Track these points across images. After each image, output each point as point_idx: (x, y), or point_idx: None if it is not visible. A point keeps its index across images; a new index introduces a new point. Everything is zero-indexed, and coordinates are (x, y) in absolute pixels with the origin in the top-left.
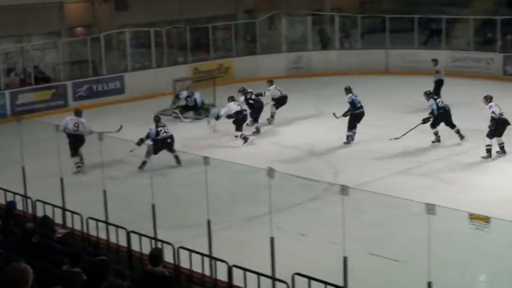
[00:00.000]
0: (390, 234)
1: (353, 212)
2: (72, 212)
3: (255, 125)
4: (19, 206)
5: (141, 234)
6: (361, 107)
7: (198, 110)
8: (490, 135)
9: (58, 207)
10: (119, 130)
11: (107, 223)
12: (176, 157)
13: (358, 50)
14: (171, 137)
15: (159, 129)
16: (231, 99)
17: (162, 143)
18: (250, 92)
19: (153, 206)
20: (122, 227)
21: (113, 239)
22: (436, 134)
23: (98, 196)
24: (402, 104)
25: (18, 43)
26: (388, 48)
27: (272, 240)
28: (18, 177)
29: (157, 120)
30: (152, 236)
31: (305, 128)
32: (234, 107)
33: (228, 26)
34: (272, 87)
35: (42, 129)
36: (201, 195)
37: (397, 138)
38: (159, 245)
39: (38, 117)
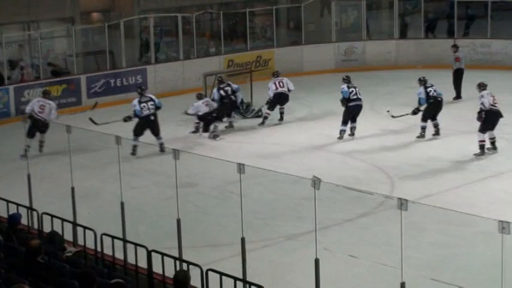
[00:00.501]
0: (455, 256)
1: (412, 230)
2: (85, 228)
3: (229, 120)
4: (23, 220)
5: (164, 254)
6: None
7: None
8: (482, 129)
9: (68, 221)
10: (93, 107)
11: (124, 240)
12: (161, 145)
13: (420, 39)
14: (154, 115)
15: (142, 105)
16: (199, 97)
17: (145, 121)
18: (228, 84)
19: (178, 221)
20: (141, 245)
21: (131, 259)
22: (423, 128)
23: (115, 209)
24: (472, 104)
25: (25, 31)
26: (456, 37)
27: (317, 262)
28: (23, 186)
29: (140, 93)
30: (177, 256)
31: (357, 131)
32: (202, 108)
33: (268, 11)
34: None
35: (51, 130)
36: (234, 208)
37: (393, 116)
38: (185, 267)
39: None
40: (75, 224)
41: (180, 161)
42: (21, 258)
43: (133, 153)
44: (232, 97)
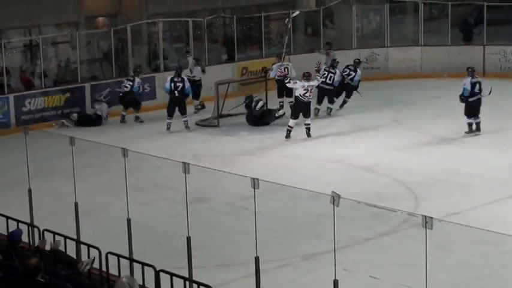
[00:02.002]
0: (483, 277)
1: (437, 249)
2: (89, 246)
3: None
4: (24, 237)
5: (173, 274)
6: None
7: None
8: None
9: (71, 239)
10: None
11: (130, 260)
12: (185, 122)
13: (447, 46)
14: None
15: (171, 83)
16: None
17: (171, 98)
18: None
19: (188, 239)
20: (149, 265)
21: (138, 279)
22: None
23: (121, 226)
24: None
25: (26, 36)
26: (486, 44)
27: (336, 283)
28: (23, 201)
29: (177, 72)
30: (187, 276)
31: (379, 143)
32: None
33: (284, 15)
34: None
35: (54, 142)
36: (247, 226)
37: None
38: (195, 287)
39: (49, 128)
40: (78, 242)
41: (191, 174)
42: (20, 278)
43: (168, 128)
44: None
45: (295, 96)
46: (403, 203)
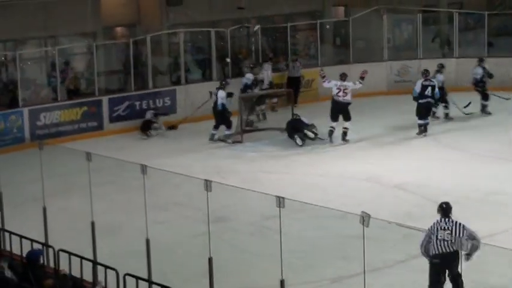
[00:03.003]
0: None
1: (472, 272)
2: (106, 267)
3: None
4: None
5: None
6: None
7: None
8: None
9: (87, 259)
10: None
11: (149, 282)
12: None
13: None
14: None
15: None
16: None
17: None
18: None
19: (209, 260)
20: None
21: None
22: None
23: (139, 246)
24: None
25: (42, 47)
26: None
27: None
28: (38, 219)
29: (223, 84)
30: None
31: (410, 160)
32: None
33: (312, 26)
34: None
35: (70, 157)
36: (272, 246)
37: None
38: None
39: (64, 143)
40: (95, 263)
41: (212, 192)
42: None
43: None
44: None
45: (332, 97)
46: None
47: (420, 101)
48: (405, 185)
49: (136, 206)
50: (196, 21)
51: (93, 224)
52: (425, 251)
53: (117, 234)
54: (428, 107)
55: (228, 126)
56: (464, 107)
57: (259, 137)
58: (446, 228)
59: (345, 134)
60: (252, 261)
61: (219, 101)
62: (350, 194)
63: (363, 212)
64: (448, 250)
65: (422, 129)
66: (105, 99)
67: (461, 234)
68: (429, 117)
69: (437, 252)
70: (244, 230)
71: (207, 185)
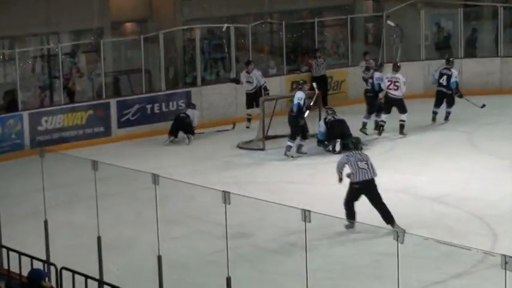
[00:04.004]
0: None
1: None
2: (113, 286)
3: None
4: None
5: None
6: None
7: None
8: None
9: (93, 278)
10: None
11: None
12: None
13: None
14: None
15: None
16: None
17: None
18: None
19: (228, 280)
20: None
21: None
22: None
23: (150, 264)
24: None
25: (44, 44)
26: None
27: None
28: (39, 234)
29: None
30: None
31: (450, 169)
32: None
33: (341, 21)
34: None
35: (74, 166)
36: (297, 265)
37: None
38: None
39: (68, 150)
40: (101, 282)
41: (231, 205)
42: None
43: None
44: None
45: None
46: (478, 240)
47: (437, 88)
48: (444, 198)
49: (147, 220)
50: (213, 16)
51: (99, 239)
52: (339, 171)
53: (125, 251)
54: (441, 95)
55: (298, 136)
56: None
57: (282, 144)
58: (362, 159)
59: (402, 127)
60: (274, 281)
61: (295, 102)
62: None
63: (397, 226)
64: (366, 178)
65: (433, 117)
66: (113, 102)
67: (372, 165)
68: (452, 106)
69: (358, 179)
70: (266, 247)
71: (226, 196)
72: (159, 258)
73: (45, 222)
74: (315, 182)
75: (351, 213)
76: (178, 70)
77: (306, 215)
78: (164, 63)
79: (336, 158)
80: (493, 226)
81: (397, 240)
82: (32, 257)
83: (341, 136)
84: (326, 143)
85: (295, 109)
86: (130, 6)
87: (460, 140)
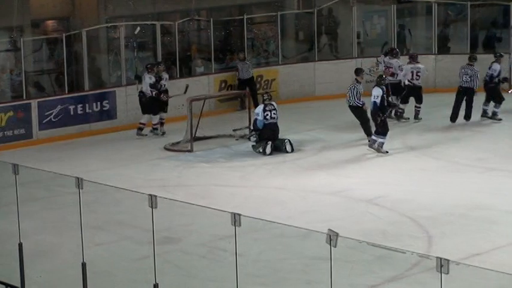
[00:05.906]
0: None
1: None
2: None
3: None
4: None
5: None
6: None
7: None
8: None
9: (14, 287)
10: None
11: None
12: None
13: (465, 54)
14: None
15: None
16: None
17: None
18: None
19: (155, 287)
20: None
21: None
22: None
23: (74, 271)
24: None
25: None
26: None
27: None
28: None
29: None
30: None
31: (385, 171)
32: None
33: (271, 18)
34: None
35: None
36: (226, 270)
37: None
38: None
39: None
40: None
41: (158, 209)
42: None
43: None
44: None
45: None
46: (413, 243)
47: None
48: (378, 200)
49: (70, 226)
50: (138, 14)
51: (20, 246)
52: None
53: (48, 258)
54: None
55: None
56: None
57: (211, 145)
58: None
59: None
60: (203, 287)
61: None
62: (315, 210)
63: (329, 230)
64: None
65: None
66: (34, 103)
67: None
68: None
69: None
70: (195, 252)
71: (152, 200)
72: (84, 265)
73: (20, 245)
74: (245, 184)
75: None
76: (102, 69)
77: (235, 218)
78: (88, 62)
79: (267, 161)
80: (428, 228)
81: (330, 243)
82: None
83: (272, 138)
84: (256, 144)
85: (371, 107)
86: (51, 3)
87: (394, 140)
